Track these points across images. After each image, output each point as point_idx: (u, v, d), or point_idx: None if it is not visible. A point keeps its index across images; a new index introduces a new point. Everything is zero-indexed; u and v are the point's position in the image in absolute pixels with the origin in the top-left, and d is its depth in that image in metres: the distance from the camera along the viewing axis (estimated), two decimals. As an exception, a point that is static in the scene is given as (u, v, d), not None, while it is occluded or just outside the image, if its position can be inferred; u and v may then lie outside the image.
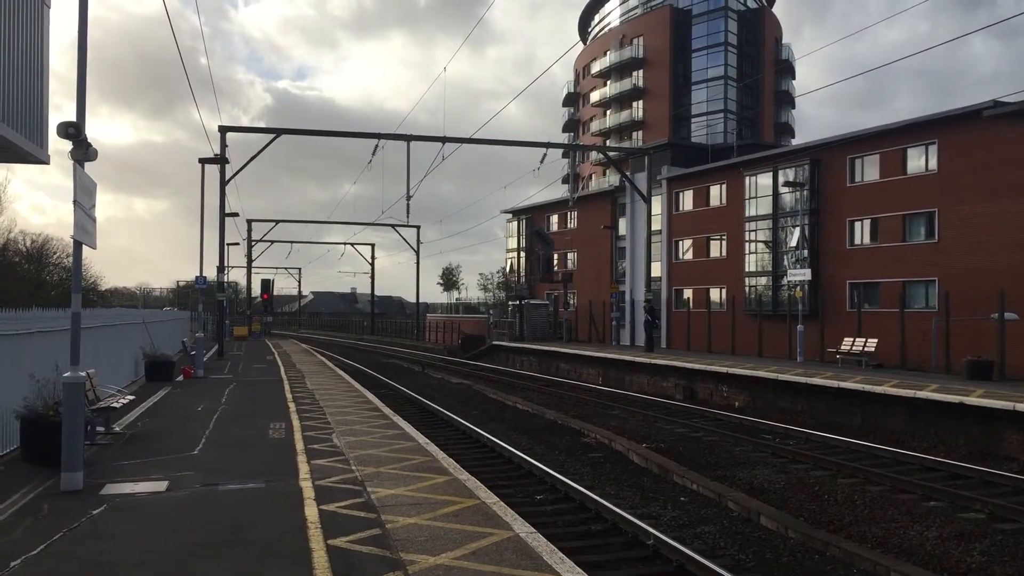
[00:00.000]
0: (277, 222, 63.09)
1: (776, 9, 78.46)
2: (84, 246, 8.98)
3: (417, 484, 9.01)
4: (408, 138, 32.05)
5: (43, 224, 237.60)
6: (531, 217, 56.65)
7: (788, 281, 32.97)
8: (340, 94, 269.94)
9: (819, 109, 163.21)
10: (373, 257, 77.61)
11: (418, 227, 68.86)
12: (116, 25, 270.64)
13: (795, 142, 66.38)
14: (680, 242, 44.06)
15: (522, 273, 53.01)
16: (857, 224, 33.23)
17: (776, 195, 36.43)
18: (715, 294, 40.77)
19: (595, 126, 76.94)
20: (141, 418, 14.75)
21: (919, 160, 30.67)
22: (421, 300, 75.83)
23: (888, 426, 18.73)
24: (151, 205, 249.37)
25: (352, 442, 11.88)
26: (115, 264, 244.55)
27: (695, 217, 42.77)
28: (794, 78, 78.08)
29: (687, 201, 43.68)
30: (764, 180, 37.24)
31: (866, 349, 26.51)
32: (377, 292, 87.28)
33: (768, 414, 21.37)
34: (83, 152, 8.74)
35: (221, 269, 36.23)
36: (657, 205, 41.49)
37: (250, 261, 62.72)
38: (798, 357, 29.14)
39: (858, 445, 16.29)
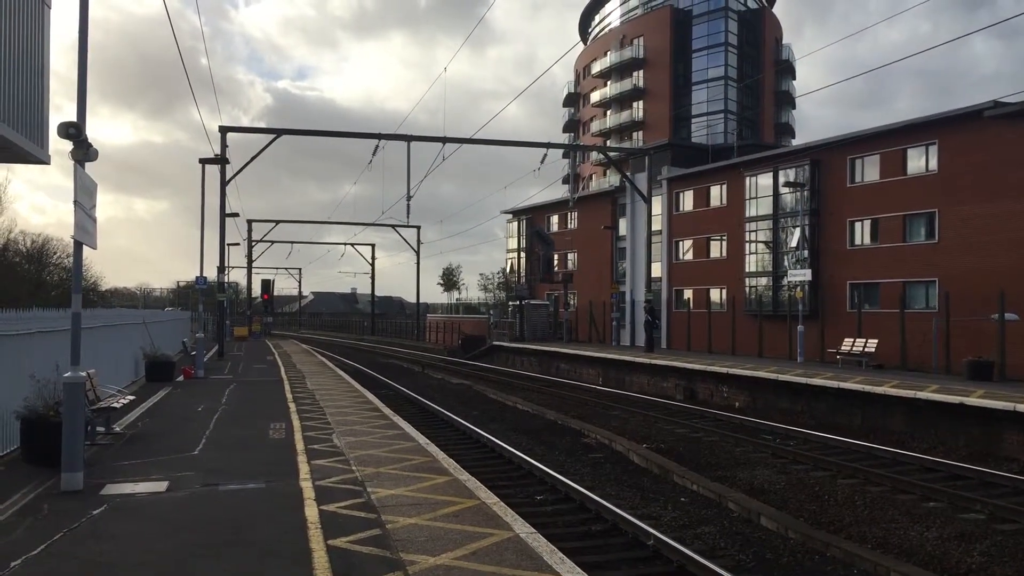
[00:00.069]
0: (277, 222, 63.13)
1: (776, 9, 78.50)
2: (84, 246, 8.99)
3: (417, 484, 9.01)
4: (408, 138, 32.06)
5: (43, 224, 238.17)
6: (531, 217, 56.62)
7: (788, 281, 32.96)
8: (340, 94, 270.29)
9: (819, 109, 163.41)
10: (373, 257, 77.76)
11: (418, 227, 68.98)
12: (116, 25, 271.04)
13: (795, 142, 66.49)
14: (680, 242, 44.07)
15: (522, 273, 52.95)
16: (857, 224, 33.25)
17: (776, 195, 36.45)
18: (715, 294, 40.79)
19: (595, 126, 76.95)
20: (141, 418, 14.75)
21: (919, 160, 30.70)
22: (421, 300, 75.92)
23: (888, 427, 18.73)
24: (151, 205, 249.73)
25: (352, 442, 11.89)
26: (115, 264, 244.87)
27: (695, 217, 42.78)
28: (794, 78, 78.11)
29: (687, 201, 43.70)
30: (764, 180, 37.26)
31: (866, 350, 26.49)
32: (377, 292, 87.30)
33: (768, 415, 21.36)
34: (83, 152, 8.74)
35: (221, 269, 36.26)
36: (657, 205, 41.52)
37: (250, 261, 62.76)
38: (798, 357, 29.13)
39: (858, 446, 16.29)
